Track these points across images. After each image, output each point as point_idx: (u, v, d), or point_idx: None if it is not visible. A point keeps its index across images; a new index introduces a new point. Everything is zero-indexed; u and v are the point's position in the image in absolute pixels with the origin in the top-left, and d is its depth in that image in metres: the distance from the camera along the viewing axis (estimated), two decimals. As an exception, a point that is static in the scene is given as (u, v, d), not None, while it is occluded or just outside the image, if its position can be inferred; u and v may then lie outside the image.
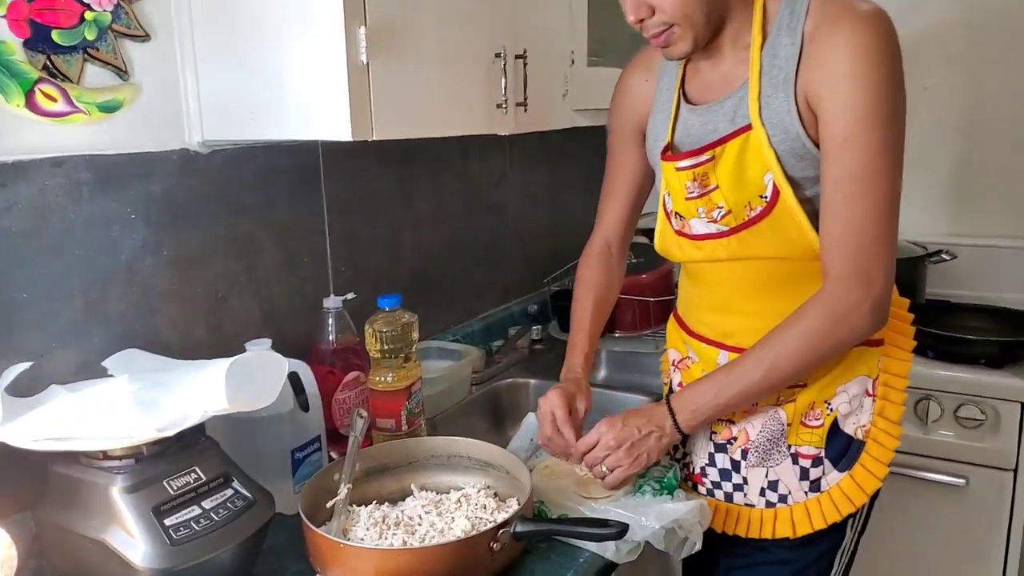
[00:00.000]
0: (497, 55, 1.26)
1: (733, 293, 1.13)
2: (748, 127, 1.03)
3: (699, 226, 1.12)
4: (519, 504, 1.04)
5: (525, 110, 1.36)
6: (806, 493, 1.13)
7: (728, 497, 1.19)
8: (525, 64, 1.34)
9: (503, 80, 1.27)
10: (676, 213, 1.14)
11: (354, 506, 1.07)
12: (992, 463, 1.71)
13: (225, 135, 1.20)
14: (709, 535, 1.18)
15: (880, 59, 0.95)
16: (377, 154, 1.56)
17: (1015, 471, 1.70)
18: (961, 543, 1.78)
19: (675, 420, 1.08)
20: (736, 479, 1.18)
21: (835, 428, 1.12)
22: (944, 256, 1.97)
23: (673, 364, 1.30)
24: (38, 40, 1.01)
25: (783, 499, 1.14)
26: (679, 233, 1.16)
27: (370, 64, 1.05)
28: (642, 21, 1.02)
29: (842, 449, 1.12)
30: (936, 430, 1.75)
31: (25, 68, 1.00)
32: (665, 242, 1.20)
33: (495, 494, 1.11)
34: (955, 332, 1.79)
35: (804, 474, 1.13)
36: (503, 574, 0.97)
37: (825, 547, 1.16)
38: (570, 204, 2.25)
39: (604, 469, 1.10)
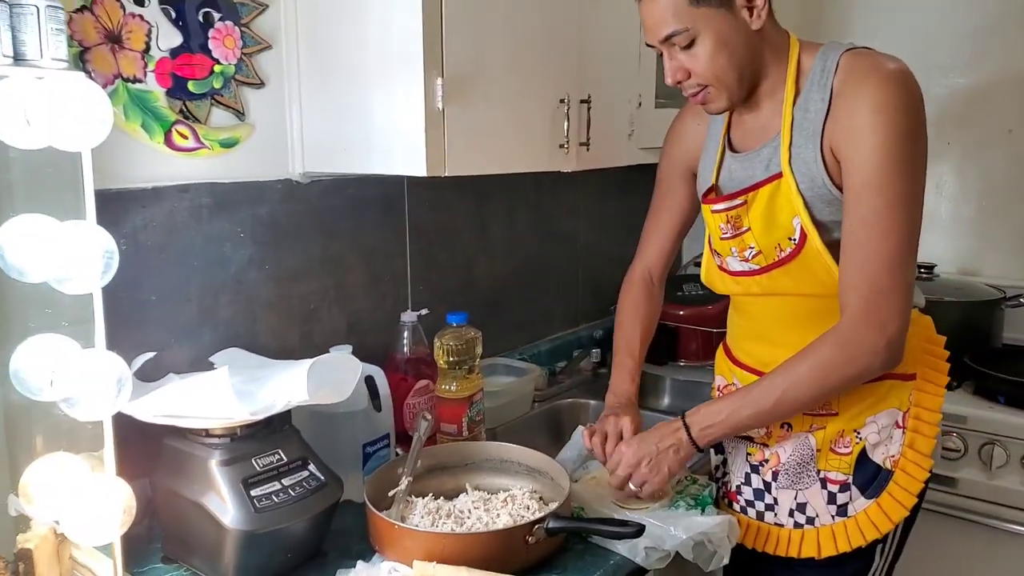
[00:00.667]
0: (561, 100, 1.40)
1: (771, 324, 1.22)
2: (779, 175, 1.12)
3: (734, 263, 1.21)
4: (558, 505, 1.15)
5: (588, 149, 1.49)
6: (833, 517, 1.19)
7: (760, 516, 1.26)
8: (589, 108, 1.47)
9: (565, 123, 1.41)
10: (715, 251, 1.24)
11: (413, 497, 1.21)
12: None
13: (323, 168, 1.39)
14: (743, 553, 1.26)
15: (899, 115, 1.02)
16: (456, 186, 1.72)
17: (1087, 520, 1.66)
18: None
19: (690, 435, 1.14)
20: (768, 499, 1.25)
21: (863, 456, 1.18)
22: (1023, 300, 1.95)
23: (719, 390, 1.38)
24: (177, 89, 1.22)
25: (811, 521, 1.21)
26: (720, 268, 1.25)
27: (445, 109, 1.21)
28: (680, 83, 1.12)
29: (870, 477, 1.18)
30: (1002, 476, 1.73)
31: (165, 112, 1.21)
32: (710, 275, 1.29)
33: (540, 498, 1.22)
34: (1029, 378, 1.77)
35: (831, 498, 1.19)
36: (538, 565, 1.08)
37: (852, 570, 1.20)
38: (638, 235, 2.35)
39: (633, 487, 1.19)
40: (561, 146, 1.42)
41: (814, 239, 1.10)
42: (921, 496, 1.19)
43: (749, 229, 1.16)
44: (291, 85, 1.37)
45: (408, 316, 1.49)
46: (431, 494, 1.22)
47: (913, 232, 1.05)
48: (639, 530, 1.06)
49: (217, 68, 1.27)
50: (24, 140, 0.86)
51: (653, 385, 2.05)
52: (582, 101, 1.46)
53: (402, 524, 1.10)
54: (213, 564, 1.03)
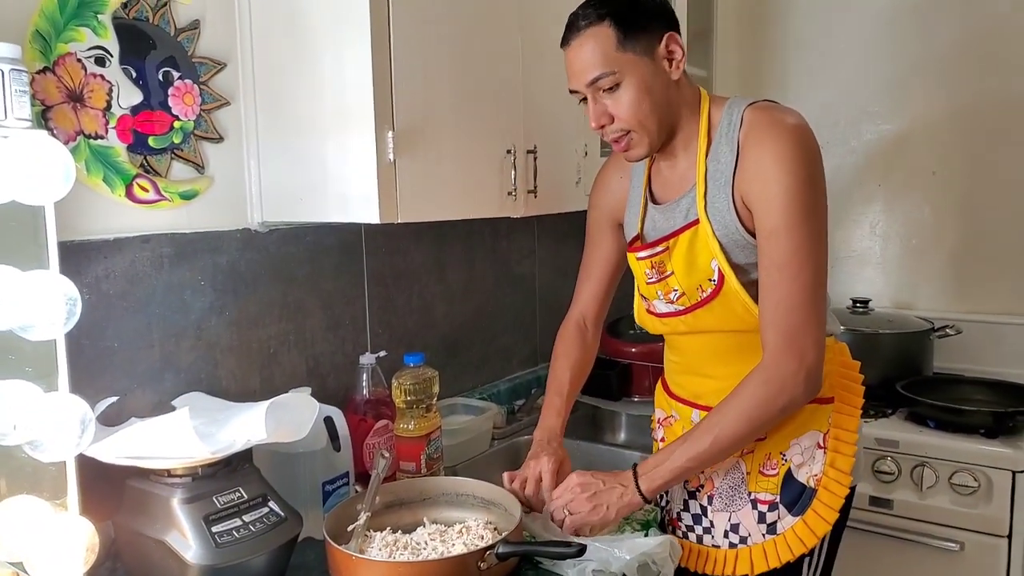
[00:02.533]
0: (508, 151, 1.49)
1: (700, 359, 1.30)
2: (697, 221, 1.21)
3: (660, 306, 1.31)
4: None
5: (535, 196, 1.57)
6: (763, 535, 1.27)
7: (699, 539, 1.33)
8: (535, 157, 1.55)
9: (513, 172, 1.49)
10: (643, 295, 1.34)
11: (371, 531, 1.25)
12: (986, 529, 1.77)
13: (280, 217, 1.45)
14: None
15: (798, 165, 1.12)
16: (413, 232, 1.79)
17: (1009, 537, 1.75)
18: None
19: (637, 483, 1.20)
20: (705, 523, 1.32)
21: (789, 477, 1.25)
22: (949, 331, 2.07)
23: (658, 422, 1.45)
24: (138, 145, 1.28)
25: (744, 540, 1.28)
26: (648, 311, 1.35)
27: (396, 160, 1.28)
28: (603, 127, 1.20)
29: (796, 496, 1.25)
30: (932, 495, 1.82)
31: (127, 166, 1.27)
32: (640, 317, 1.39)
33: (495, 528, 1.27)
34: (957, 403, 1.88)
35: (762, 518, 1.27)
36: (491, 592, 1.12)
37: None
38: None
39: (565, 512, 1.22)
40: (509, 193, 1.51)
41: (731, 280, 1.19)
42: (844, 512, 1.26)
43: (672, 273, 1.25)
44: (249, 138, 1.43)
45: (367, 359, 1.54)
46: (389, 528, 1.26)
47: (820, 270, 1.14)
48: (581, 549, 1.11)
49: (177, 124, 1.33)
50: (-10, 195, 0.91)
51: (609, 420, 2.11)
52: (528, 151, 1.55)
53: (360, 555, 1.14)
54: (175, 602, 1.06)
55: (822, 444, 1.26)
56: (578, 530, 1.22)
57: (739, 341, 1.23)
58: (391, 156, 1.27)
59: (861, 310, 2.16)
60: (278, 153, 1.41)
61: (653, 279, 1.28)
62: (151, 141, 1.30)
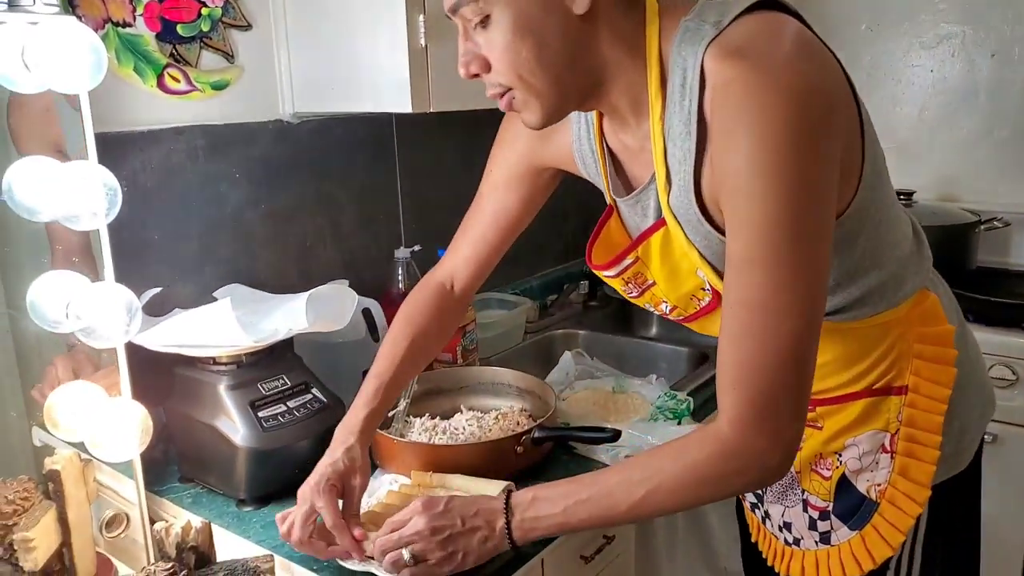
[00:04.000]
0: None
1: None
2: (662, 222, 0.87)
3: (659, 312, 1.02)
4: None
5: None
6: (816, 543, 1.03)
7: (762, 520, 1.13)
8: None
9: (548, 58, 1.44)
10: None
11: (411, 418, 1.29)
12: (1020, 421, 1.77)
13: (312, 108, 1.43)
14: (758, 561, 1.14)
15: (788, 165, 0.72)
16: (444, 123, 1.75)
17: (1042, 430, 1.75)
18: (990, 501, 1.81)
19: (509, 525, 0.88)
20: (764, 508, 1.11)
21: (844, 482, 0.98)
22: (996, 224, 2.01)
23: None
24: (166, 33, 1.25)
25: (797, 542, 1.06)
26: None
27: (428, 46, 1.24)
28: (475, 76, 0.84)
29: (853, 507, 0.98)
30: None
31: (156, 56, 1.24)
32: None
33: (530, 415, 1.30)
34: (1000, 298, 1.85)
35: (812, 524, 1.03)
36: (526, 472, 1.16)
37: None
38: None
39: (407, 555, 0.87)
40: (544, 81, 1.46)
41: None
42: (949, 505, 0.99)
43: (654, 283, 0.95)
44: (278, 26, 1.39)
45: (401, 253, 1.55)
46: (428, 414, 1.30)
47: (816, 312, 0.78)
48: (616, 435, 1.14)
49: (204, 11, 1.30)
50: (24, 84, 0.91)
51: (640, 315, 2.11)
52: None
53: (401, 439, 1.18)
54: (227, 480, 1.12)
55: (888, 447, 0.95)
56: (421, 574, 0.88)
57: None
58: (423, 41, 1.23)
59: (904, 202, 2.10)
60: (308, 41, 1.37)
61: (635, 294, 0.98)
62: (179, 29, 1.27)
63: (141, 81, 1.23)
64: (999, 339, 1.79)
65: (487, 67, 0.82)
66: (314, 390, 1.18)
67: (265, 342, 1.11)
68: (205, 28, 1.30)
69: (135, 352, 1.01)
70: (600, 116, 0.94)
